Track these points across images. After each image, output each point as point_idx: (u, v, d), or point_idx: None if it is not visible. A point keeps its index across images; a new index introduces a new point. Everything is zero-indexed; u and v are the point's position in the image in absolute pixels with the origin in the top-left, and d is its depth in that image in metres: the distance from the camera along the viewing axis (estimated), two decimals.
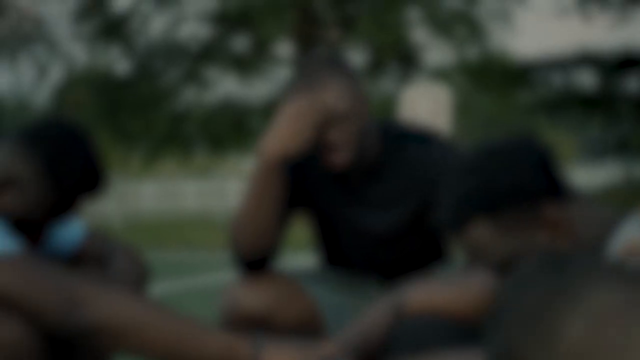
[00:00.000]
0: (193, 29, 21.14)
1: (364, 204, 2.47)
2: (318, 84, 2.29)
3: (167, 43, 20.80)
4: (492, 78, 22.53)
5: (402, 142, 2.44)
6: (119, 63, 21.26)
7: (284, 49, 21.04)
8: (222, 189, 25.25)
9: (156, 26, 20.87)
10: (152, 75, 21.04)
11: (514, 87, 23.68)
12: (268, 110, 21.44)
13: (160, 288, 7.33)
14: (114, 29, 20.19)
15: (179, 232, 15.13)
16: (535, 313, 1.02)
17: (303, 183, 2.49)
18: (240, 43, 21.22)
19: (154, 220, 19.83)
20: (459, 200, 1.71)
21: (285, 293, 2.42)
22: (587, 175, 32.68)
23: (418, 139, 2.44)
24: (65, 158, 1.94)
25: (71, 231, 2.12)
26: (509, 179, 1.69)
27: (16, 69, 20.29)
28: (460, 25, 20.47)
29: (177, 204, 25.15)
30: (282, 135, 2.22)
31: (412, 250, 2.49)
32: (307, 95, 2.28)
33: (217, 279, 8.03)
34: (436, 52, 21.59)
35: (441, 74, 21.73)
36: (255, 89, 21.72)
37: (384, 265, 2.51)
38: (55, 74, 21.00)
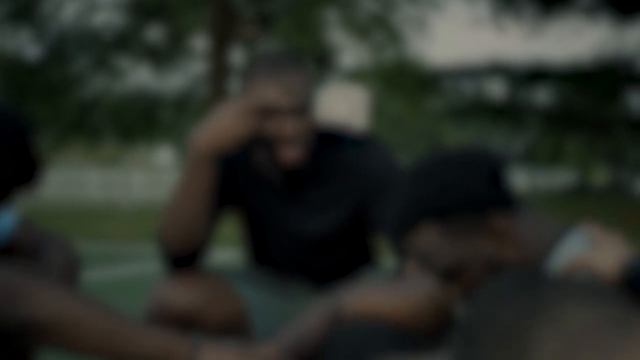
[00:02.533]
0: (107, 17, 20.82)
1: (297, 206, 2.43)
2: (275, 74, 2.25)
3: (79, 29, 20.44)
4: (405, 83, 22.75)
5: (338, 146, 2.41)
6: (29, 47, 20.82)
7: (200, 42, 20.89)
8: (128, 180, 24.93)
9: (69, 11, 20.50)
10: (63, 61, 20.66)
11: (424, 93, 23.96)
12: (180, 102, 21.25)
13: None
14: (25, 12, 19.75)
15: (82, 222, 14.88)
16: (509, 331, 1.01)
17: (236, 181, 2.45)
18: (156, 34, 20.99)
19: (56, 208, 19.47)
20: (409, 203, 1.72)
21: (213, 291, 2.38)
22: None
23: (355, 143, 2.42)
24: (0, 147, 1.86)
25: (3, 221, 2.05)
26: (460, 187, 1.71)
27: None
28: (377, 29, 20.60)
29: (81, 193, 24.74)
30: (215, 129, 2.18)
31: (342, 254, 2.47)
32: (246, 92, 2.24)
33: (120, 272, 7.91)
34: (352, 54, 21.70)
35: (356, 77, 21.82)
36: (168, 81, 21.50)
37: (313, 267, 2.49)
38: None
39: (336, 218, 2.41)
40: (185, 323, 2.34)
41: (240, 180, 2.45)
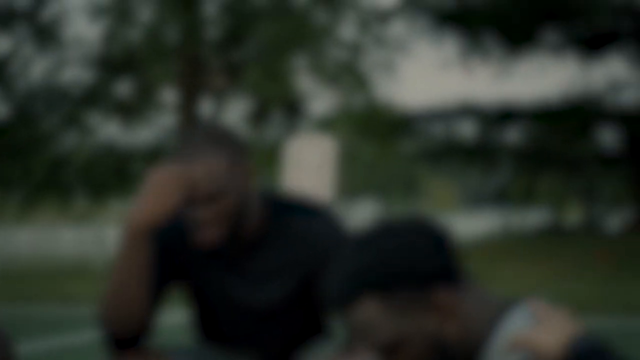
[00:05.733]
0: (75, 73, 20.79)
1: (244, 276, 2.39)
2: (191, 157, 2.23)
3: (48, 87, 20.39)
4: (376, 127, 22.84)
5: (286, 214, 2.38)
6: None
7: (169, 94, 20.89)
8: (102, 236, 24.77)
9: (37, 69, 20.45)
10: (32, 120, 20.58)
11: (396, 136, 24.06)
12: (151, 156, 21.20)
13: (34, 345, 7.05)
14: None
15: (56, 283, 14.72)
16: None
17: (179, 254, 2.41)
18: (124, 88, 20.98)
19: (29, 268, 19.28)
20: (350, 274, 1.67)
21: None
22: (466, 224, 33.32)
23: (303, 211, 2.39)
24: None
25: None
26: (403, 259, 1.66)
27: None
28: (346, 75, 20.68)
29: (54, 251, 24.56)
30: (146, 203, 2.17)
31: (292, 326, 2.43)
32: (175, 166, 2.22)
33: (95, 336, 7.79)
34: (321, 100, 21.75)
35: (326, 123, 21.85)
36: (138, 135, 21.45)
37: (261, 339, 2.43)
38: None
39: (282, 288, 2.37)
40: None
41: (183, 253, 2.41)
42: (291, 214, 2.37)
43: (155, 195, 2.16)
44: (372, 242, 1.68)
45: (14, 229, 22.79)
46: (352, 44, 20.80)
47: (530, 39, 22.86)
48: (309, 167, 11.05)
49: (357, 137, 23.72)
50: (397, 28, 21.62)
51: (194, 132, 2.29)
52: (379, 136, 23.46)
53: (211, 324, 2.46)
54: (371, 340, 1.67)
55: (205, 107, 20.65)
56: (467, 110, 23.81)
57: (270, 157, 20.03)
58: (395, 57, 21.91)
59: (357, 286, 1.65)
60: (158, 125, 21.40)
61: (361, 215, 29.08)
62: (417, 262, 1.65)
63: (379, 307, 1.65)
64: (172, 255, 2.40)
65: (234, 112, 21.49)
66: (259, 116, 21.41)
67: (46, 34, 19.44)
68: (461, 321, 1.67)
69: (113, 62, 19.99)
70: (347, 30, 20.82)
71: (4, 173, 20.74)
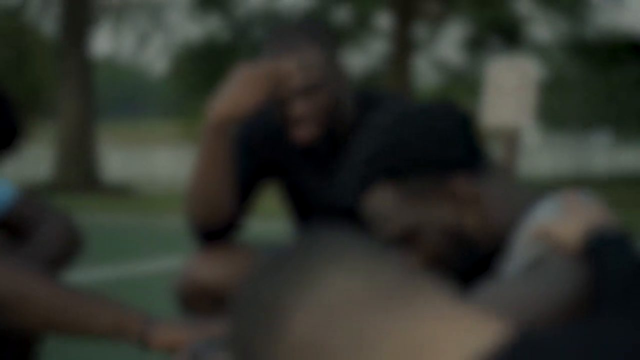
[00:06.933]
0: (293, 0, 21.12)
1: (334, 177, 2.36)
2: (284, 51, 2.19)
3: (266, 13, 20.83)
4: (601, 54, 21.93)
5: (376, 111, 2.32)
6: (220, 31, 21.37)
7: (384, 21, 20.87)
8: None
9: None
10: (252, 45, 21.11)
11: (621, 64, 23.03)
12: (366, 82, 21.34)
13: None
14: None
15: None
16: (267, 308, 0.92)
17: (271, 153, 2.41)
18: (341, 14, 21.12)
19: None
20: (365, 162, 1.62)
21: (242, 265, 2.35)
22: None
23: (394, 106, 2.33)
24: None
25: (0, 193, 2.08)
26: (419, 146, 1.58)
27: (118, 35, 20.67)
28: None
29: None
30: (228, 97, 2.15)
31: None
32: (263, 61, 2.19)
33: None
34: (541, 26, 21.08)
35: (545, 50, 21.19)
36: (353, 61, 21.61)
37: None
38: (157, 42, 21.30)
39: None
40: (213, 298, 2.33)
41: (276, 150, 2.41)
42: (380, 110, 2.32)
43: (237, 89, 2.14)
44: (389, 129, 1.61)
45: None
46: None
47: None
48: (508, 90, 10.83)
49: (578, 64, 22.89)
50: None
51: (288, 27, 2.25)
52: (602, 63, 22.52)
53: (305, 221, 2.46)
54: (387, 229, 1.62)
55: (420, 33, 20.51)
56: None
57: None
58: None
59: (372, 173, 1.61)
60: (373, 51, 21.48)
61: (595, 147, 28.12)
62: (434, 148, 1.58)
63: (394, 195, 1.60)
64: (263, 151, 2.39)
65: (449, 39, 21.25)
66: (475, 43, 21.04)
67: None
68: (482, 211, 1.60)
69: None
70: None
71: None
